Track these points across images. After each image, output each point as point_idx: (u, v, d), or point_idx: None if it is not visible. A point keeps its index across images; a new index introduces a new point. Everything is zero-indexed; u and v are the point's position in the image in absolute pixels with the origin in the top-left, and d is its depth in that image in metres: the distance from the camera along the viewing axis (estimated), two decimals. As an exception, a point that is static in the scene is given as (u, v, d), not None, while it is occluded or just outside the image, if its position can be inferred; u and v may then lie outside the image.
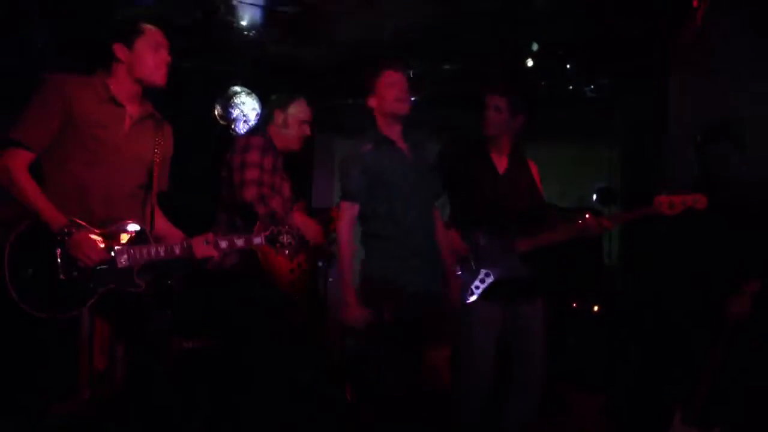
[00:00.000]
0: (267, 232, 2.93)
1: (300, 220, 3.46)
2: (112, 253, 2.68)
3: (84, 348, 3.84)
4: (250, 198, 3.30)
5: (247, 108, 5.65)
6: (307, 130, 3.64)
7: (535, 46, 4.76)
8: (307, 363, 4.62)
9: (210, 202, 3.60)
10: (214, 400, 4.03)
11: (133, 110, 2.81)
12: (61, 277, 2.60)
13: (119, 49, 2.75)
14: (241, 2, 4.44)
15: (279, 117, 3.59)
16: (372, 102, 3.34)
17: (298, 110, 3.60)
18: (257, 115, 5.64)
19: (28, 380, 2.66)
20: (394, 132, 3.33)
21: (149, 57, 2.78)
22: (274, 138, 3.56)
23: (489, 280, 3.38)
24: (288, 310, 3.50)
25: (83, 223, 2.66)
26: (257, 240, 2.92)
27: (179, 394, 2.86)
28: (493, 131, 3.50)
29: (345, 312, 3.12)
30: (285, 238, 2.94)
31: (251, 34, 4.91)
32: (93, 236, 2.65)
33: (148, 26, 2.80)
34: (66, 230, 2.59)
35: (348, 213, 3.23)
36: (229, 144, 3.58)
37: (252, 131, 3.64)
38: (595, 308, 5.23)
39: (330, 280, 5.00)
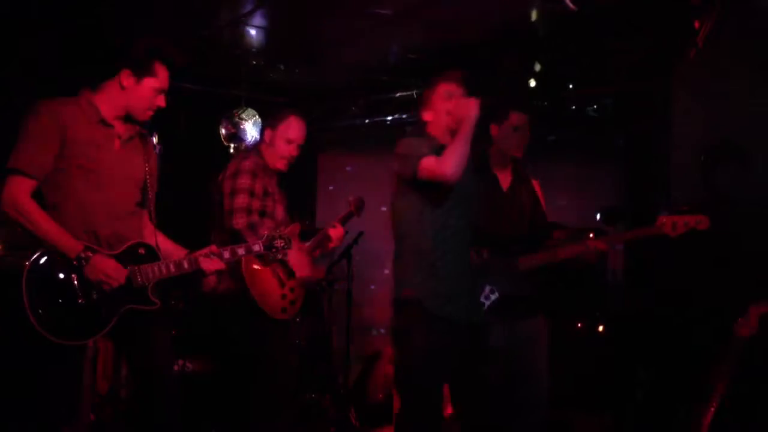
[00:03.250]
0: (263, 239, 3.00)
1: (291, 256, 3.42)
2: (128, 273, 2.70)
3: (88, 371, 3.83)
4: (238, 227, 3.31)
5: (255, 129, 5.64)
6: (293, 150, 3.55)
7: (537, 67, 4.78)
8: (309, 387, 4.60)
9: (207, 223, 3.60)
10: (216, 423, 4.01)
11: (121, 130, 2.82)
12: (81, 301, 2.61)
13: (126, 76, 2.76)
14: (246, 25, 4.47)
15: (268, 135, 3.58)
16: (427, 116, 3.12)
17: (285, 129, 3.54)
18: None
19: (33, 405, 2.65)
20: None
21: (149, 98, 2.79)
22: (265, 158, 3.54)
23: (493, 296, 3.37)
24: (280, 334, 3.47)
25: (96, 247, 2.67)
26: (257, 248, 2.99)
27: (182, 414, 2.84)
28: (519, 152, 3.50)
29: None
30: (278, 243, 3.02)
31: (256, 55, 4.94)
32: (108, 258, 2.67)
33: (162, 69, 2.79)
34: (83, 255, 2.61)
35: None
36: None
37: (245, 154, 3.61)
38: (600, 328, 5.20)
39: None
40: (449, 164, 2.83)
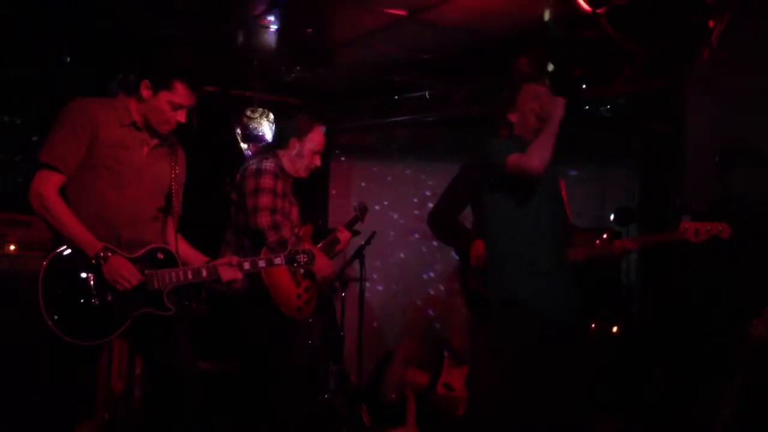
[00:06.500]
0: (286, 253, 3.00)
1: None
2: (145, 277, 2.71)
3: (103, 371, 3.85)
4: (263, 225, 3.31)
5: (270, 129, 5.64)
6: (317, 161, 3.59)
7: (551, 67, 4.76)
8: (322, 385, 4.61)
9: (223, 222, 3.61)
10: (230, 422, 4.02)
11: (150, 136, 2.84)
12: (95, 302, 2.63)
13: (145, 87, 2.77)
14: (260, 26, 4.48)
15: (295, 146, 3.56)
16: (513, 117, 3.20)
17: (314, 141, 3.56)
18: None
19: (48, 403, 2.67)
20: None
21: (165, 112, 2.79)
22: (284, 162, 3.55)
23: None
24: (294, 334, 3.48)
25: (116, 248, 2.69)
26: (278, 261, 2.99)
27: (201, 414, 2.85)
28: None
29: None
30: (302, 258, 3.02)
31: (269, 57, 4.95)
32: (126, 260, 2.68)
33: (180, 85, 2.77)
34: (102, 255, 2.62)
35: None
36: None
37: (263, 155, 3.61)
38: (614, 329, 5.18)
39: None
40: (535, 158, 2.93)
